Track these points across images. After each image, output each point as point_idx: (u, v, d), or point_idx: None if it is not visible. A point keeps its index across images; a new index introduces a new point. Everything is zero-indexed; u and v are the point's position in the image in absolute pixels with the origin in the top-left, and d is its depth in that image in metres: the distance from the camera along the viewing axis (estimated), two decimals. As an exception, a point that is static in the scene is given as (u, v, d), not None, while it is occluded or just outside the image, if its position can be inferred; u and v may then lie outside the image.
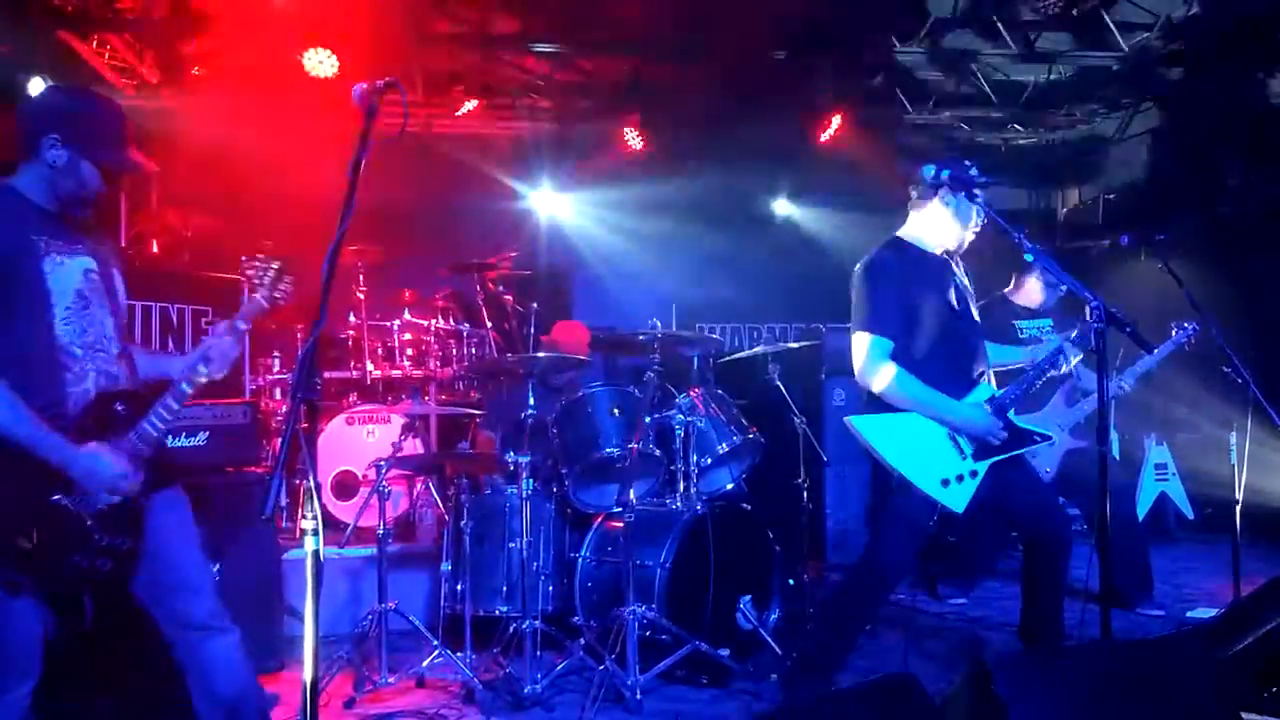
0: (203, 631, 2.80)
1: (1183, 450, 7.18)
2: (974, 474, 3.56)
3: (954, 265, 3.81)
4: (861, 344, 3.61)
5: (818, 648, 3.83)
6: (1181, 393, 6.71)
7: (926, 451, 3.53)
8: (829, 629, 3.87)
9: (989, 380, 3.73)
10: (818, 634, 3.95)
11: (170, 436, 2.81)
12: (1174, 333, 4.91)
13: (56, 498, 2.56)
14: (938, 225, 3.74)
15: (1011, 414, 3.65)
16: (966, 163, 3.72)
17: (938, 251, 3.77)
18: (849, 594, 3.88)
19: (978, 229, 3.76)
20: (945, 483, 3.51)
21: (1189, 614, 5.09)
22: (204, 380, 2.74)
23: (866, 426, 3.54)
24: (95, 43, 6.59)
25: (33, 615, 2.58)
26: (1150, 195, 7.49)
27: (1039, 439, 3.72)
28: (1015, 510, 3.82)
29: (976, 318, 3.84)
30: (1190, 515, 7.13)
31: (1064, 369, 3.80)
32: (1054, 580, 3.80)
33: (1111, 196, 8.90)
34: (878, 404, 3.60)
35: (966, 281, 3.85)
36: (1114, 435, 6.90)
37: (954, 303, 3.69)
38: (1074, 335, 3.73)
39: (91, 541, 2.60)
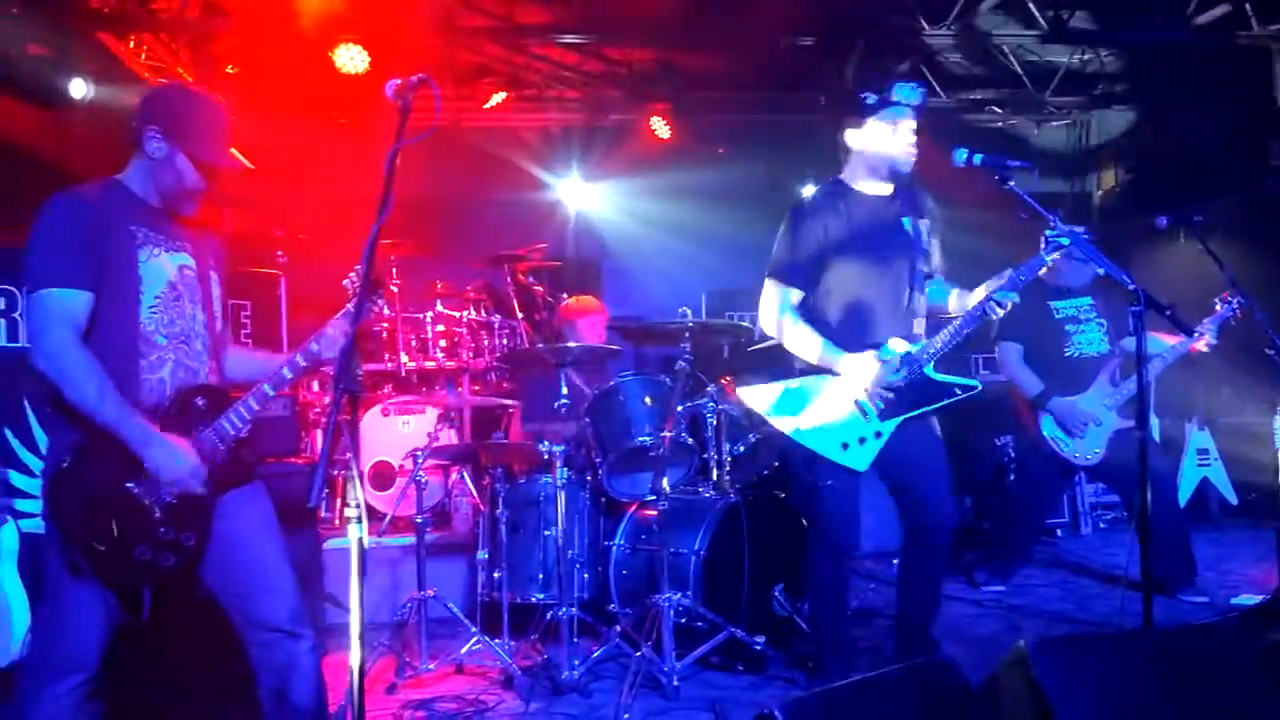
0: (278, 634, 2.72)
1: (1225, 435, 7.08)
2: (878, 435, 3.53)
3: (899, 206, 3.67)
4: (766, 292, 3.65)
5: (820, 633, 3.82)
6: (1223, 377, 6.62)
7: (827, 417, 3.49)
8: (818, 615, 3.85)
9: (918, 331, 3.63)
10: (815, 621, 3.94)
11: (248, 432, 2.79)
12: (1219, 307, 4.84)
13: (130, 485, 2.54)
14: (865, 160, 3.67)
15: (929, 368, 3.52)
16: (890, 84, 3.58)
17: (877, 192, 3.69)
18: (814, 577, 3.83)
19: (909, 146, 3.59)
20: (845, 446, 3.49)
21: (1233, 600, 5.02)
22: (289, 378, 2.83)
23: (755, 399, 3.53)
24: (131, 43, 6.67)
25: (92, 604, 2.52)
26: (1188, 175, 7.37)
27: (960, 391, 3.53)
28: (904, 483, 3.69)
29: (920, 264, 3.65)
30: (1233, 501, 7.03)
31: (997, 315, 3.46)
32: (924, 573, 3.74)
33: (1145, 178, 8.77)
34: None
35: (918, 226, 3.67)
36: (1155, 420, 6.83)
37: (878, 247, 3.60)
38: (999, 286, 3.42)
39: (157, 534, 2.56)
